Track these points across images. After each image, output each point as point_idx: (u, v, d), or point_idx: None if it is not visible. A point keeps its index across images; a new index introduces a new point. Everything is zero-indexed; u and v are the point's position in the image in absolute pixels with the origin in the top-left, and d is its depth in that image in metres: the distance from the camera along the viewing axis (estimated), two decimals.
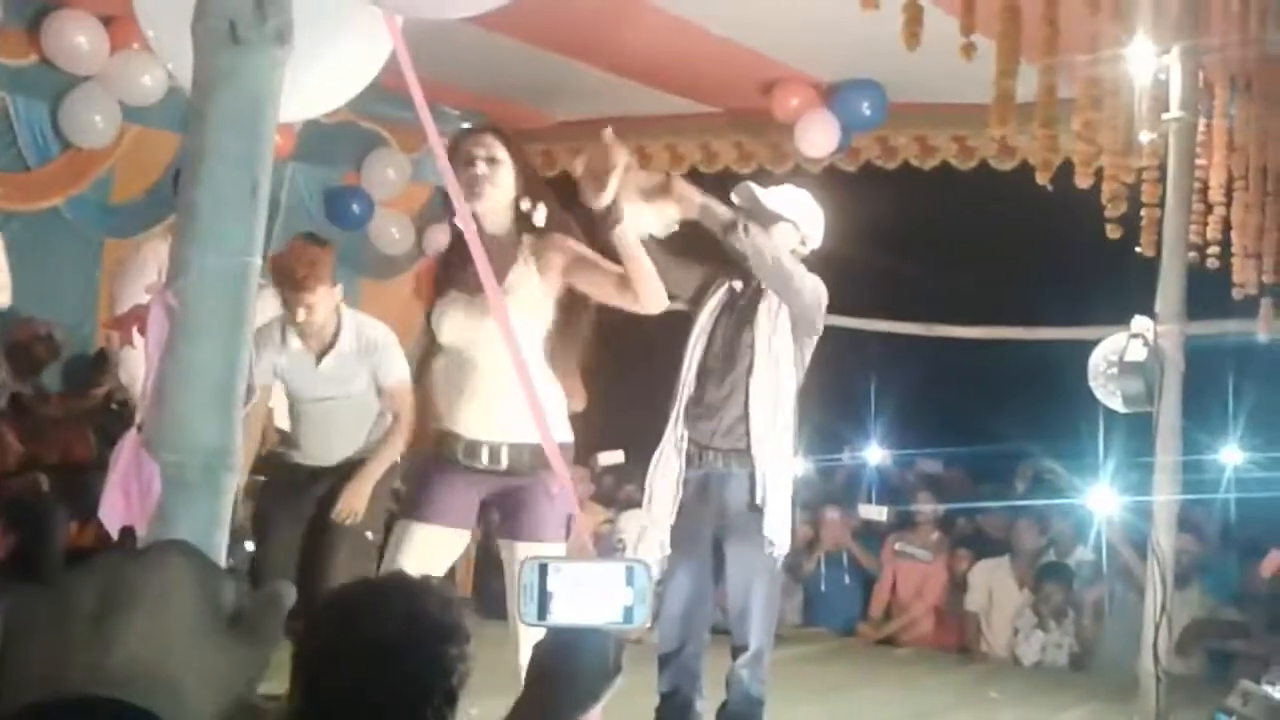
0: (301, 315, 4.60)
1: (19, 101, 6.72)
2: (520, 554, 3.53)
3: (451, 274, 3.60)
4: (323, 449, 4.87)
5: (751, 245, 4.10)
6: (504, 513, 3.65)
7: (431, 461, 3.66)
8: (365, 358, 4.71)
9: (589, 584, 1.29)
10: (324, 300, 4.65)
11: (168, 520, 1.16)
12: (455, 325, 3.57)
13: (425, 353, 3.73)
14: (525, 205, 3.59)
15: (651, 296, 3.45)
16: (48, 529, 5.55)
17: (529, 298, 3.54)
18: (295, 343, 4.71)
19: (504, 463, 3.55)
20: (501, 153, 3.58)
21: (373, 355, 4.73)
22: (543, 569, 1.29)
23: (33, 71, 6.64)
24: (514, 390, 3.32)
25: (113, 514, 1.20)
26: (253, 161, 1.18)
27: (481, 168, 3.54)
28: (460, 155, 3.56)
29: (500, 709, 1.36)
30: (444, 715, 1.75)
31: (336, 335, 4.71)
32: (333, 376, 4.73)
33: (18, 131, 6.72)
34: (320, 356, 4.71)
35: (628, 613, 1.28)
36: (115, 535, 1.12)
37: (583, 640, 1.30)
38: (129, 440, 1.16)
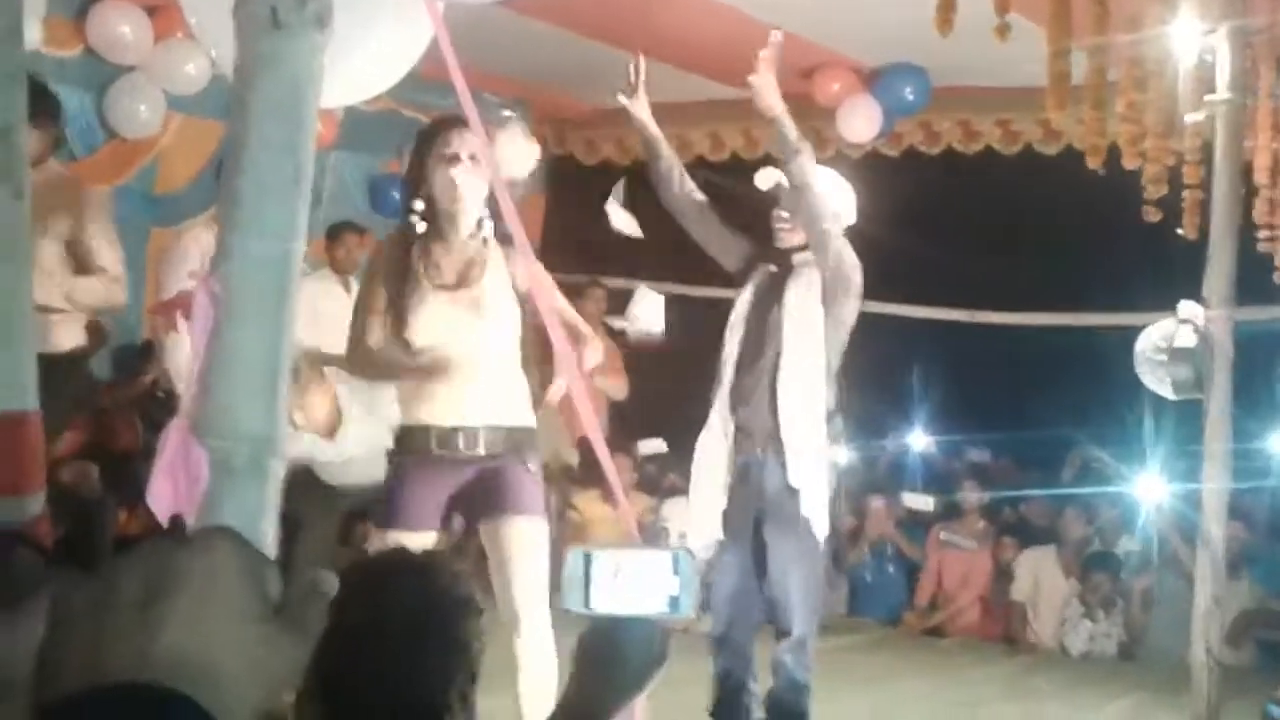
0: (300, 420, 4.52)
1: (64, 92, 6.77)
2: (512, 528, 3.57)
3: (423, 269, 3.61)
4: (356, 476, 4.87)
5: (805, 178, 4.11)
6: (485, 494, 3.62)
7: (399, 462, 3.63)
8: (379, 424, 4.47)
9: (634, 572, 1.28)
10: (318, 404, 4.56)
11: (214, 507, 1.16)
12: (435, 324, 3.58)
13: (368, 343, 3.65)
14: (484, 217, 3.64)
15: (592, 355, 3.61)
16: (96, 518, 5.60)
17: (505, 297, 3.62)
18: (303, 433, 4.61)
19: (481, 447, 3.57)
20: (481, 152, 3.56)
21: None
22: (588, 558, 1.28)
23: (78, 62, 6.68)
24: (486, 376, 3.55)
25: (160, 501, 1.20)
26: (295, 147, 1.17)
27: (467, 165, 3.56)
28: (439, 146, 3.59)
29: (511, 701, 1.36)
30: (466, 695, 1.67)
31: (341, 420, 4.63)
32: (351, 449, 4.67)
33: (64, 122, 6.76)
34: (331, 434, 4.65)
35: (674, 602, 1.27)
36: (164, 521, 1.12)
37: (628, 629, 1.29)
38: (176, 426, 1.16)
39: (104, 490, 5.82)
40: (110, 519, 5.78)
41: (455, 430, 3.57)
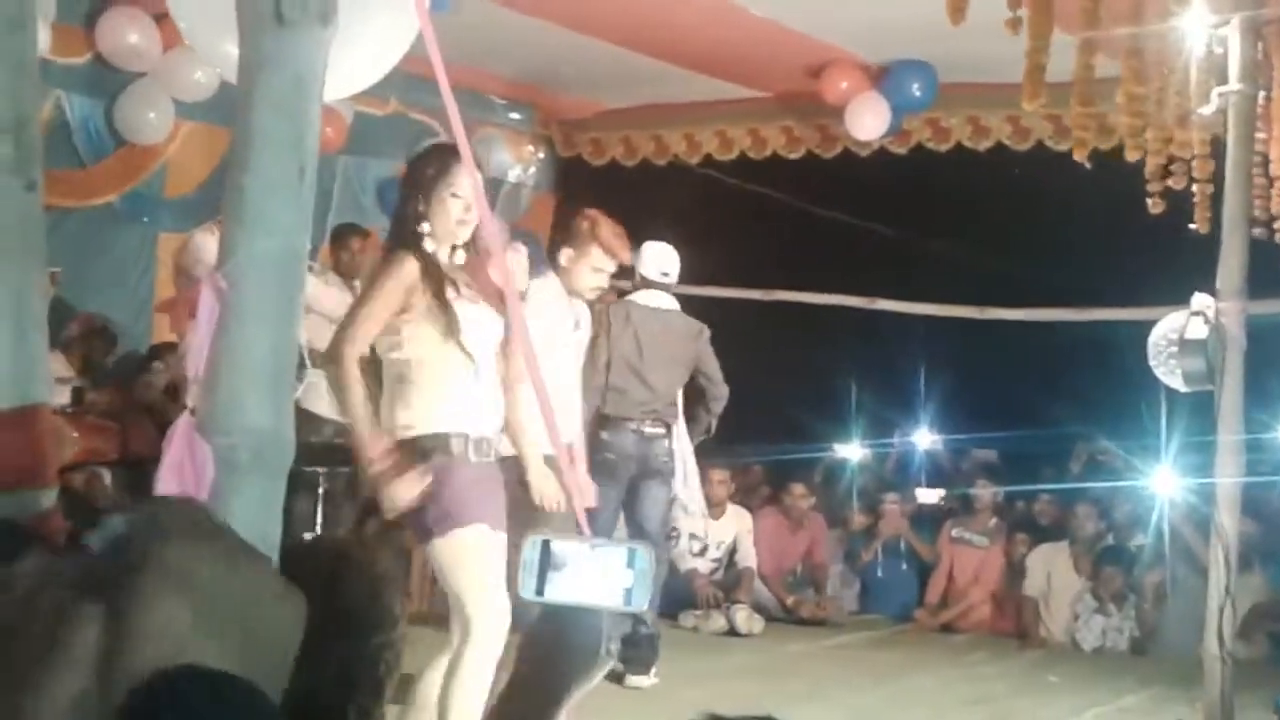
0: None
1: (74, 99, 6.79)
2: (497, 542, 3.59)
3: (445, 281, 3.66)
4: None
5: None
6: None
7: (443, 465, 3.59)
8: None
9: (590, 563, 1.28)
10: None
11: (220, 504, 1.16)
12: (472, 330, 3.65)
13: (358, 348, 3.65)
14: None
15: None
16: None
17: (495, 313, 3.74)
18: None
19: (485, 454, 3.64)
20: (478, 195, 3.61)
21: None
22: (545, 545, 1.28)
23: (87, 69, 6.70)
24: (495, 388, 3.69)
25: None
26: (299, 144, 1.17)
27: (471, 210, 3.64)
28: (449, 184, 3.65)
29: None
30: (368, 709, 1.50)
31: None
32: None
33: (73, 129, 6.78)
34: None
35: (627, 595, 1.28)
36: None
37: (576, 620, 1.29)
38: (182, 423, 1.16)
39: (117, 496, 5.83)
40: None
41: (482, 440, 3.64)
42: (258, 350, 1.17)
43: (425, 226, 3.67)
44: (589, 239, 4.52)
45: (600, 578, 1.27)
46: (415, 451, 3.59)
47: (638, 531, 5.40)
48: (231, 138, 1.18)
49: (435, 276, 3.65)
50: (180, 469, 1.19)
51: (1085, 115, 4.46)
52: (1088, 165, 4.74)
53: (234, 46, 1.16)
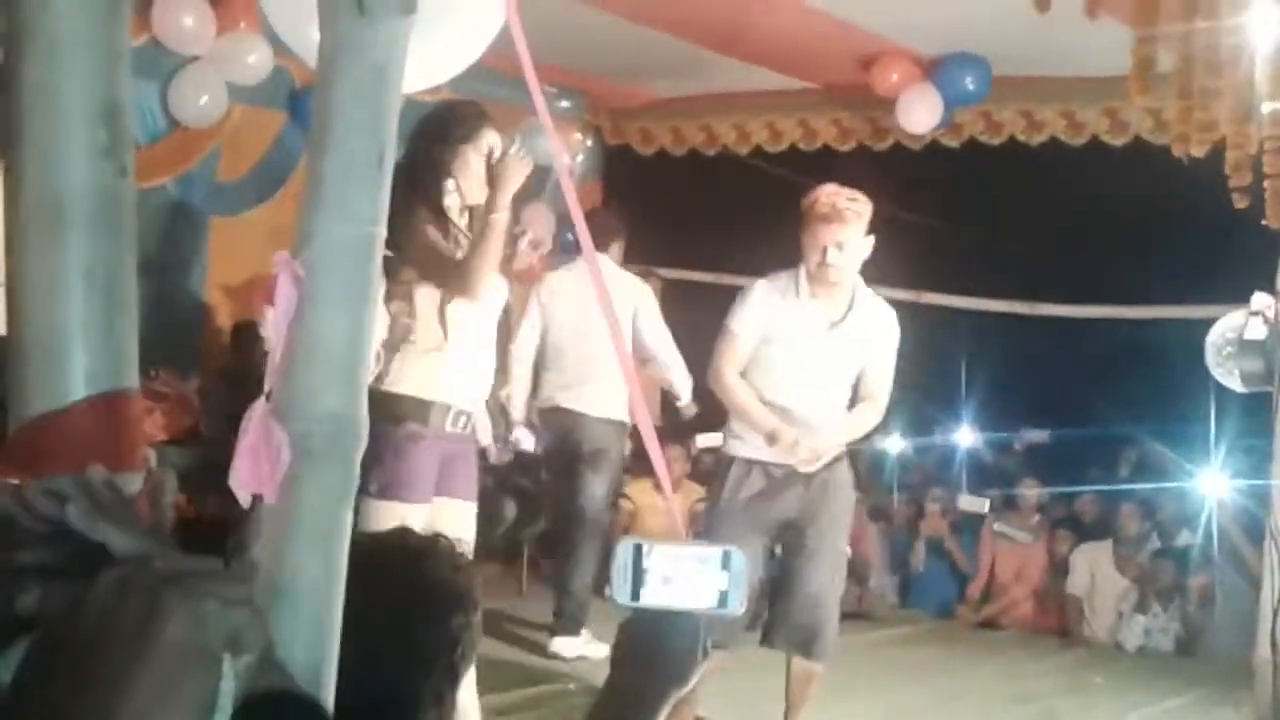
0: None
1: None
2: (459, 511, 3.65)
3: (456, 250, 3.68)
4: None
5: None
6: (448, 474, 3.68)
7: (413, 434, 3.60)
8: None
9: (684, 567, 1.27)
10: None
11: (295, 490, 1.16)
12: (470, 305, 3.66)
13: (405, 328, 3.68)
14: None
15: (475, 283, 3.60)
16: (154, 499, 5.68)
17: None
18: None
19: (463, 427, 3.66)
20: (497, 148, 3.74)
21: None
22: (638, 549, 1.27)
23: (143, 51, 6.75)
24: (481, 360, 3.68)
25: (242, 481, 1.21)
26: (378, 131, 1.17)
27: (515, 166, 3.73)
28: (478, 141, 3.71)
29: None
30: (441, 692, 1.54)
31: None
32: None
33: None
34: None
35: (723, 597, 1.27)
36: (245, 502, 1.14)
37: (671, 620, 1.28)
38: (259, 408, 1.17)
39: (163, 473, 5.90)
40: (168, 501, 5.87)
41: (462, 413, 3.66)
42: (333, 338, 1.17)
43: (450, 184, 3.68)
44: None
45: (695, 580, 1.27)
46: (395, 410, 3.56)
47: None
48: (311, 121, 1.18)
49: (441, 248, 3.65)
50: (255, 453, 1.20)
51: (1186, 109, 4.39)
52: (1185, 160, 4.68)
53: (316, 32, 1.17)
